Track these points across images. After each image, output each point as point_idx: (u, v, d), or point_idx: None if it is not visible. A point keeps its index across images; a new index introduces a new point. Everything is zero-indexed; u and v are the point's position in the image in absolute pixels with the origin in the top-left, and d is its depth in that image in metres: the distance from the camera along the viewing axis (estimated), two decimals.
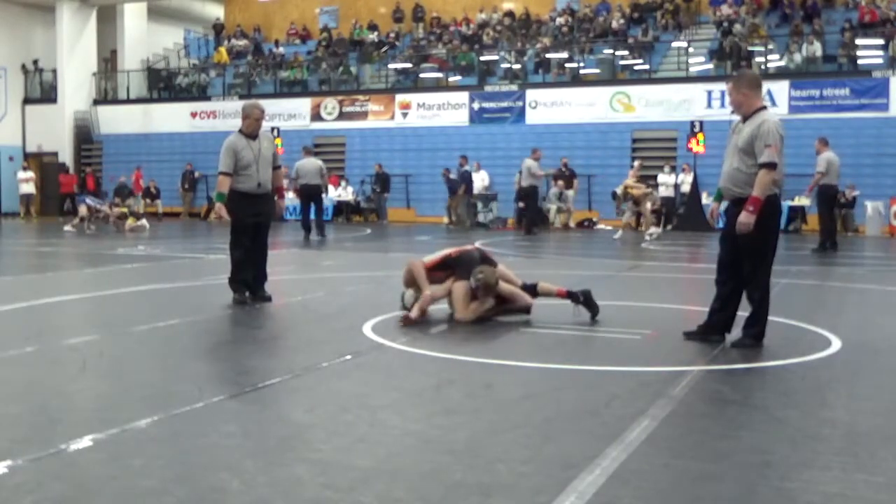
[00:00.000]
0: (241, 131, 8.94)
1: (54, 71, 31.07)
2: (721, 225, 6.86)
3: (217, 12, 35.85)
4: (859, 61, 23.50)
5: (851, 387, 5.22)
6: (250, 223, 8.59)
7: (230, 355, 6.13)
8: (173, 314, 7.64)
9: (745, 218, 6.06)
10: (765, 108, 6.35)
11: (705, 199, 22.35)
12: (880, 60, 23.26)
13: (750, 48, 25.01)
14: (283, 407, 4.62)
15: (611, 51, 26.57)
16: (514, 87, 26.21)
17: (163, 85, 32.07)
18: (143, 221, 21.99)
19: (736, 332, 6.42)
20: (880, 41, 23.69)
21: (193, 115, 29.82)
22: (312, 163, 18.46)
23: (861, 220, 20.93)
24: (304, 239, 17.76)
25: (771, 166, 6.05)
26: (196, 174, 28.63)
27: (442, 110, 26.70)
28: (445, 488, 3.40)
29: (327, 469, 3.58)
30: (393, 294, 8.14)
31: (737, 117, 6.46)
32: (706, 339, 6.39)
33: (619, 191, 18.90)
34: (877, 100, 22.27)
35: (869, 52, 23.62)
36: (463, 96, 26.52)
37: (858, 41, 23.89)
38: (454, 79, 27.77)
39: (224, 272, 8.83)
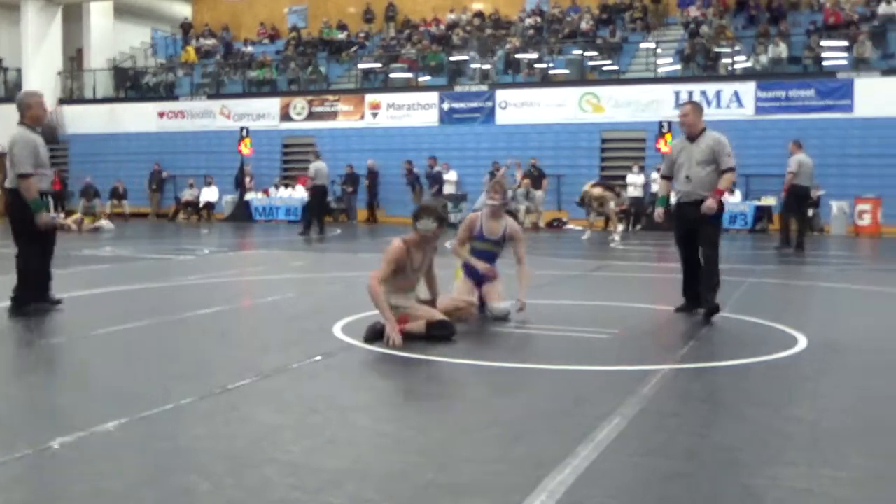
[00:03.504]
0: (26, 124, 7.60)
1: (19, 70, 30.65)
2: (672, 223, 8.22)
3: (185, 11, 35.57)
4: (824, 63, 23.79)
5: (817, 385, 5.29)
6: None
7: (199, 357, 6.08)
8: (142, 316, 7.57)
9: (712, 203, 7.54)
10: (705, 128, 7.78)
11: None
12: (845, 62, 23.56)
13: (717, 49, 25.23)
14: (253, 408, 4.60)
15: (580, 51, 26.69)
16: (483, 88, 26.26)
17: (129, 84, 31.76)
18: (104, 222, 21.73)
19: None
20: (844, 43, 24.00)
21: (161, 114, 29.57)
22: (325, 165, 20.17)
23: (826, 219, 21.20)
24: (319, 231, 19.82)
25: (734, 169, 7.68)
26: (164, 174, 28.40)
27: (412, 110, 26.68)
28: (416, 489, 3.40)
29: (297, 470, 3.57)
30: (363, 294, 8.11)
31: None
32: (691, 311, 7.80)
33: (582, 197, 19.11)
34: (841, 101, 22.55)
35: (833, 53, 23.92)
36: (433, 96, 26.53)
37: (823, 43, 24.19)
38: (424, 79, 27.76)
39: (193, 273, 8.75)
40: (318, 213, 20.44)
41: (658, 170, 22.58)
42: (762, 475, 3.58)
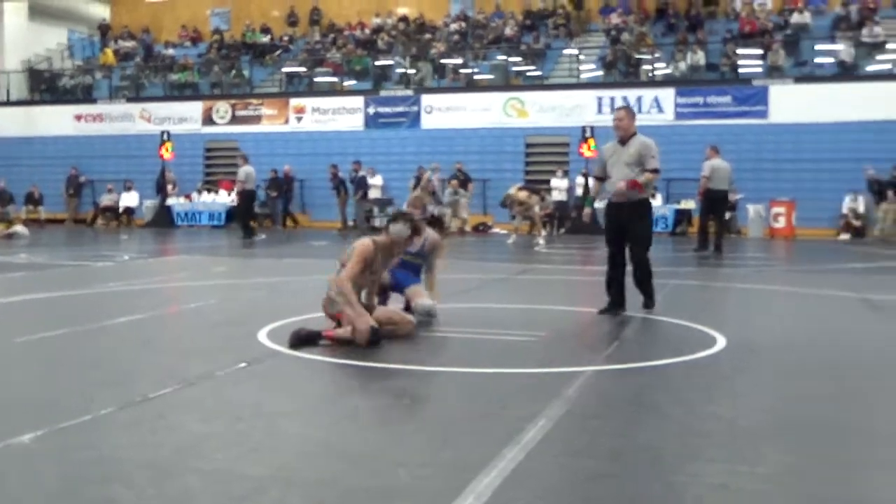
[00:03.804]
0: None
1: None
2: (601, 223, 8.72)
3: (103, 12, 34.77)
4: (740, 70, 24.48)
5: (735, 383, 5.43)
6: None
7: (120, 365, 5.95)
8: (60, 324, 7.37)
9: (622, 186, 7.92)
10: (636, 132, 8.14)
11: (597, 203, 22.88)
12: (760, 69, 24.28)
13: (638, 56, 25.73)
14: (177, 417, 4.51)
15: (504, 57, 26.94)
16: (409, 92, 26.29)
17: (45, 87, 30.92)
18: (19, 228, 21.09)
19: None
20: (759, 51, 24.73)
21: (78, 117, 28.85)
22: (253, 170, 20.33)
23: (743, 222, 21.78)
24: (244, 236, 19.80)
25: (658, 171, 8.09)
26: (82, 179, 27.70)
27: (337, 115, 26.56)
28: (343, 494, 3.38)
29: (221, 479, 3.52)
30: (288, 300, 8.04)
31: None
32: (614, 312, 7.97)
33: (504, 199, 19.30)
34: (756, 107, 23.23)
35: (749, 61, 24.63)
36: (358, 101, 26.45)
37: (739, 51, 24.88)
38: (349, 83, 27.67)
39: (113, 280, 8.56)
40: (244, 218, 20.41)
41: (583, 174, 22.98)
42: (683, 472, 3.66)
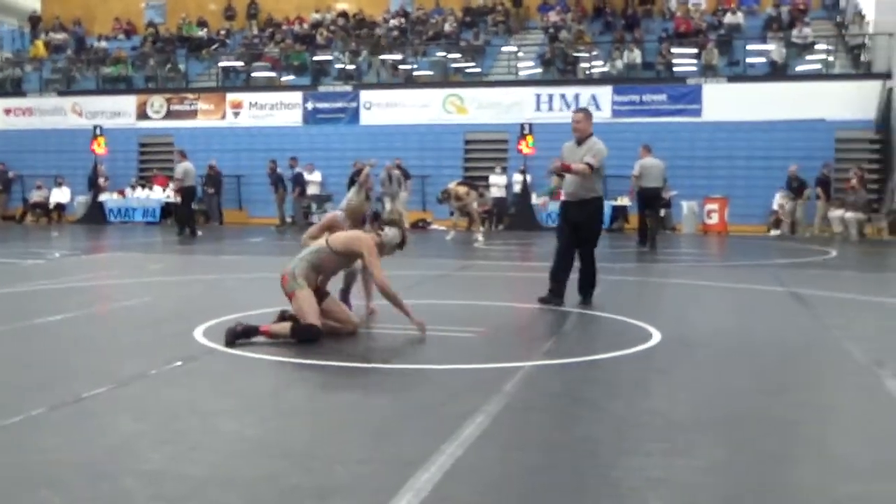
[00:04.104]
0: None
1: None
2: (554, 219, 9.29)
3: (33, 4, 33.89)
4: (675, 69, 24.88)
5: (670, 377, 5.52)
6: None
7: (50, 365, 5.80)
8: None
9: (557, 164, 8.40)
10: (592, 134, 8.55)
11: (535, 199, 23.08)
12: (694, 68, 24.71)
13: (575, 54, 25.98)
14: (110, 417, 4.43)
15: (443, 53, 26.97)
16: (348, 88, 26.16)
17: None
18: None
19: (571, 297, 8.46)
20: (694, 50, 25.18)
21: (7, 111, 28.10)
22: (192, 166, 20.10)
23: (678, 218, 22.15)
24: (185, 234, 19.45)
25: (591, 167, 8.34)
26: (11, 174, 26.95)
27: (275, 110, 26.30)
28: (281, 493, 3.36)
29: (157, 480, 3.47)
30: (225, 297, 7.94)
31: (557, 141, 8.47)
32: (555, 302, 8.27)
33: (442, 193, 19.36)
34: (691, 105, 23.63)
35: (684, 60, 25.05)
36: (296, 96, 26.23)
37: (674, 50, 25.29)
38: (287, 78, 27.42)
39: (44, 278, 8.36)
40: (182, 215, 20.09)
41: (521, 171, 23.15)
42: (620, 466, 3.71)
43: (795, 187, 21.11)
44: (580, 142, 8.53)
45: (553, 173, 8.67)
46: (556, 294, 8.39)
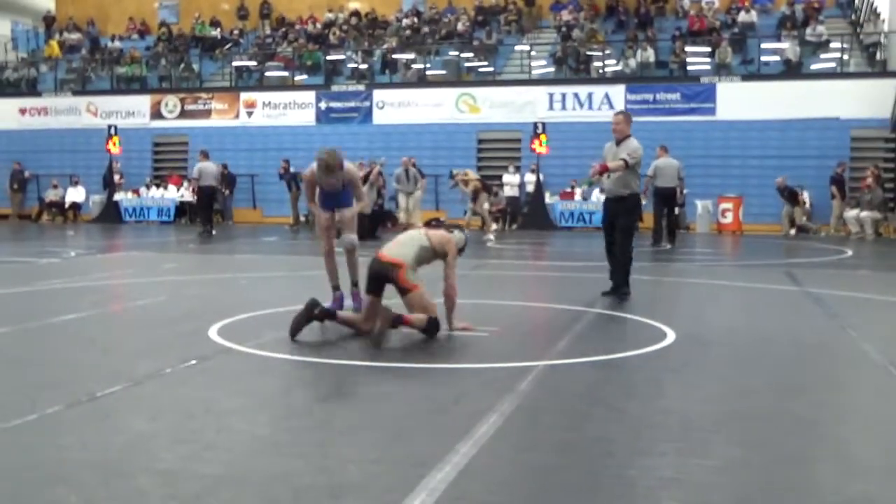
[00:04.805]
0: None
1: None
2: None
3: (47, 4, 34.06)
4: (689, 67, 24.78)
5: (684, 377, 5.50)
6: None
7: (66, 364, 5.84)
8: (4, 322, 7.22)
9: (597, 167, 8.88)
10: (630, 135, 9.05)
11: (549, 199, 23.04)
12: (708, 67, 24.61)
13: (588, 53, 25.92)
14: (125, 416, 4.45)
15: (456, 53, 26.95)
16: (360, 87, 26.18)
17: None
18: None
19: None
20: (707, 49, 25.08)
21: (22, 111, 28.24)
22: (212, 166, 20.31)
23: (692, 217, 22.07)
24: (204, 232, 19.56)
25: (625, 163, 8.78)
26: (26, 174, 27.14)
27: (288, 109, 26.35)
28: (295, 492, 3.36)
29: (172, 479, 3.48)
30: (239, 296, 7.96)
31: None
32: (620, 294, 8.91)
33: (457, 175, 19.41)
34: (705, 104, 23.53)
35: (697, 59, 24.96)
36: (309, 96, 26.27)
37: (688, 48, 25.19)
38: (300, 78, 27.46)
39: (59, 276, 8.40)
40: (204, 213, 20.23)
41: (532, 170, 23.12)
42: (634, 466, 3.70)
43: (787, 196, 21.07)
44: (619, 142, 9.04)
45: (595, 175, 9.21)
46: (615, 288, 9.05)
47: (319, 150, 7.15)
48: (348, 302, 7.55)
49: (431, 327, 6.49)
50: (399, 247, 6.71)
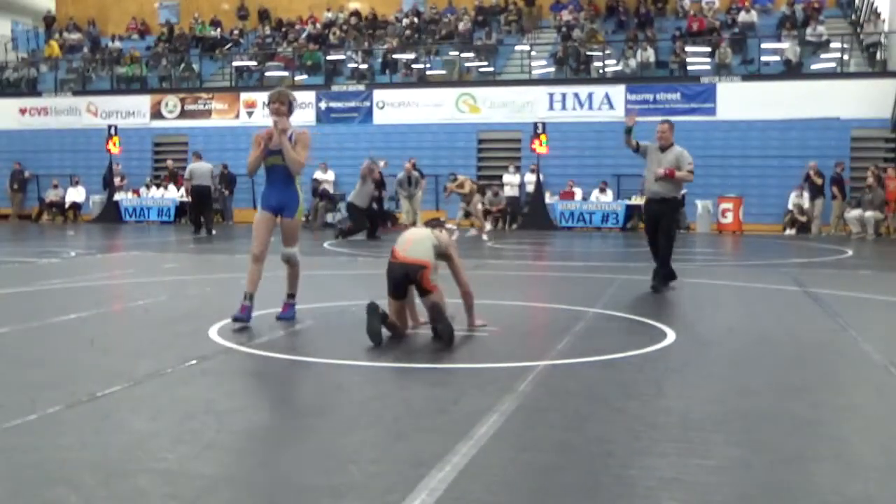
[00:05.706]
0: None
1: None
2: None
3: (48, 4, 34.08)
4: (689, 67, 24.79)
5: (685, 376, 5.50)
6: None
7: (66, 364, 5.84)
8: (4, 322, 7.22)
9: (661, 172, 9.58)
10: (674, 143, 9.85)
11: (549, 199, 23.04)
12: (708, 67, 24.61)
13: (589, 53, 25.92)
14: (125, 416, 4.45)
15: (456, 53, 26.96)
16: (361, 87, 26.18)
17: None
18: None
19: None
20: (707, 49, 25.08)
21: (23, 111, 28.27)
22: (204, 166, 20.31)
23: (692, 217, 22.07)
24: (194, 232, 19.73)
25: (692, 173, 9.85)
26: (26, 174, 27.15)
27: None
28: (295, 492, 3.36)
29: (172, 479, 3.48)
30: (240, 296, 7.95)
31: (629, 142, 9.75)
32: (667, 286, 9.65)
33: (449, 186, 19.45)
34: (705, 104, 23.54)
35: (697, 59, 24.96)
36: (310, 95, 26.27)
37: (688, 49, 25.20)
38: (300, 78, 27.46)
39: (59, 276, 8.40)
40: (193, 214, 20.43)
41: (532, 170, 23.13)
42: (634, 466, 3.70)
43: (818, 185, 20.93)
44: (663, 149, 9.72)
45: (661, 177, 9.68)
46: (667, 279, 9.73)
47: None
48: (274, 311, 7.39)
49: (448, 334, 6.30)
50: (416, 245, 6.62)
